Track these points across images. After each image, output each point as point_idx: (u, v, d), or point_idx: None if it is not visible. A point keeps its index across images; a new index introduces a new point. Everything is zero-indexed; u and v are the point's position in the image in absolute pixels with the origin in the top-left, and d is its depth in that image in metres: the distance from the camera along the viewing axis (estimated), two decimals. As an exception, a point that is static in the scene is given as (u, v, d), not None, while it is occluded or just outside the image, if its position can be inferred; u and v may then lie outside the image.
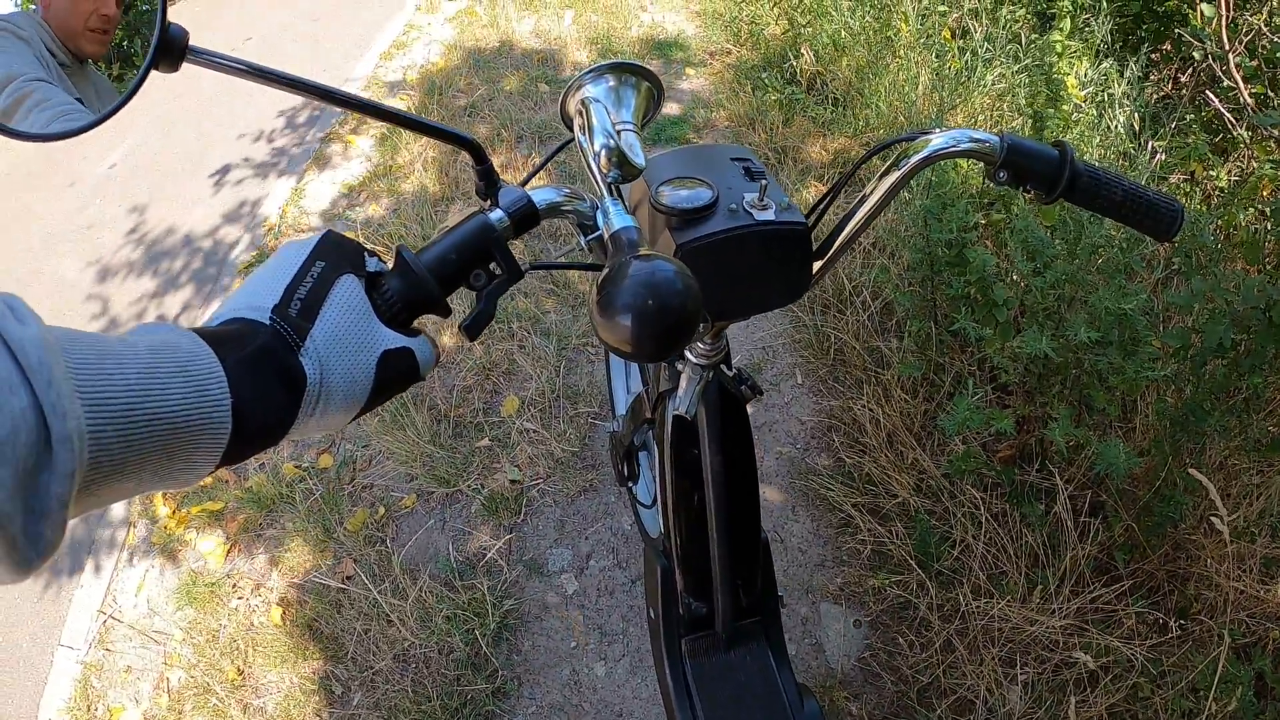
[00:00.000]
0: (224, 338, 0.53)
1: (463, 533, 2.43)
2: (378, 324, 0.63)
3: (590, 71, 0.96)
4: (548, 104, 4.41)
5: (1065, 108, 2.92)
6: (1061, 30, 3.25)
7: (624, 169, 0.84)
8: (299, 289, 0.59)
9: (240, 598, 2.43)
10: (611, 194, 0.81)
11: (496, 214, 0.74)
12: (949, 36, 3.67)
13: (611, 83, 0.97)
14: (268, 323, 0.56)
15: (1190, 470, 1.71)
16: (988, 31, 3.60)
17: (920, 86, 3.43)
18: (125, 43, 0.71)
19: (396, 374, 0.63)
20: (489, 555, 2.34)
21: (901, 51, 3.65)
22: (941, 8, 3.83)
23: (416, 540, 2.42)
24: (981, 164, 0.98)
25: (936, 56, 3.57)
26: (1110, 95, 3.13)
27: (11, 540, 0.37)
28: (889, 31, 3.77)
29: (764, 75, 4.01)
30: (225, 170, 4.60)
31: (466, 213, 0.75)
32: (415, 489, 2.56)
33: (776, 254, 0.94)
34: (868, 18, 3.89)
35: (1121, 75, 3.13)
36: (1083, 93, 3.03)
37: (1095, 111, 3.05)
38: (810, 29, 4.08)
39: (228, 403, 0.50)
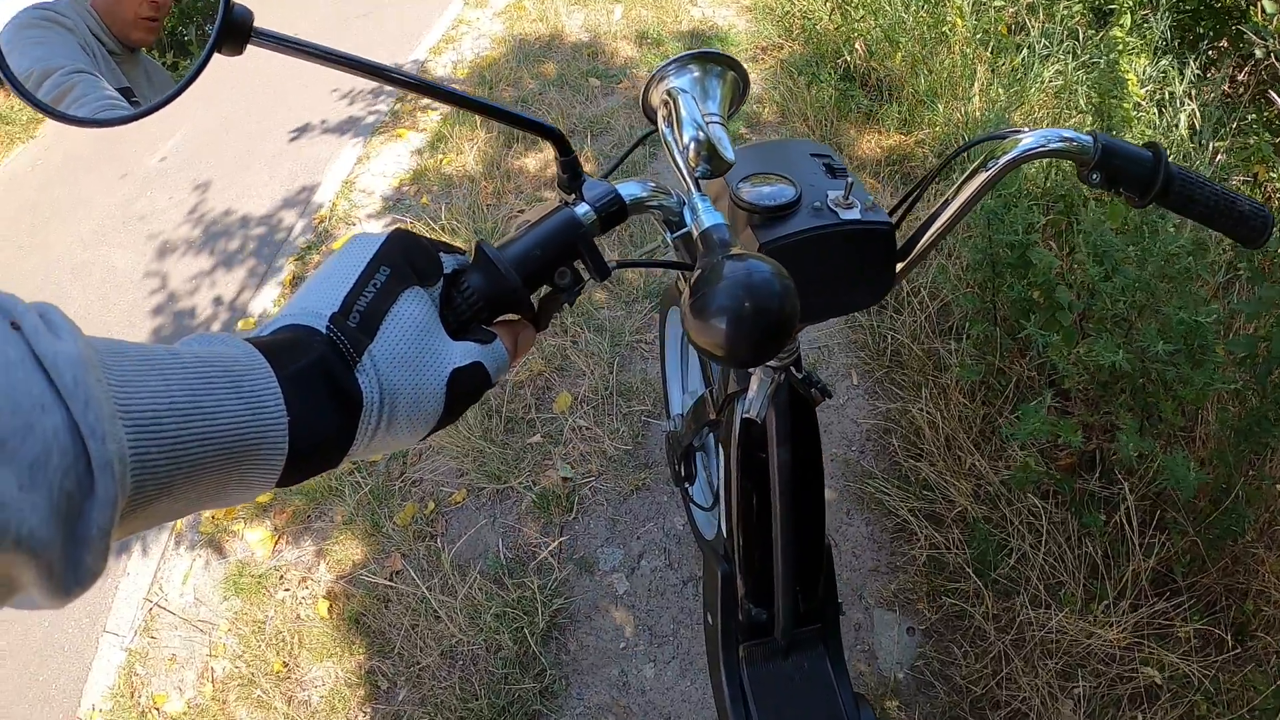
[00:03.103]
0: (278, 348, 0.50)
1: (513, 529, 2.41)
2: (445, 341, 0.58)
3: (674, 61, 0.93)
4: (598, 99, 4.39)
5: (1126, 105, 2.86)
6: (1122, 26, 3.18)
7: (713, 163, 0.81)
8: (359, 299, 0.54)
9: (287, 589, 2.44)
10: (700, 189, 0.78)
11: (582, 208, 0.70)
12: (1005, 32, 3.60)
13: (696, 73, 0.93)
14: (324, 331, 0.52)
15: (1261, 486, 1.68)
16: (1044, 27, 3.53)
17: (976, 83, 3.37)
18: (180, 29, 0.68)
19: (468, 390, 0.59)
20: (540, 553, 2.32)
21: (956, 47, 3.59)
22: (999, 2, 3.77)
23: (466, 536, 2.41)
24: (1071, 165, 0.95)
25: (992, 52, 3.50)
26: (1171, 94, 3.06)
27: (48, 567, 0.34)
28: (943, 26, 3.70)
29: (817, 70, 3.96)
30: (278, 160, 4.63)
31: (546, 206, 0.71)
32: (466, 484, 2.55)
33: (861, 254, 0.92)
34: (921, 12, 3.83)
35: (1181, 74, 3.06)
36: (1142, 90, 2.96)
37: (1155, 110, 2.98)
38: (863, 23, 4.02)
39: (284, 421, 0.47)
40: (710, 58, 0.94)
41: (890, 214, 0.95)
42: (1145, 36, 3.25)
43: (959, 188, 0.94)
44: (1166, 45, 3.30)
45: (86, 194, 4.72)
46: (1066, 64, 3.31)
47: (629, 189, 0.75)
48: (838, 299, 0.97)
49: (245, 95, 5.24)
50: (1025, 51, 3.42)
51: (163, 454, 0.40)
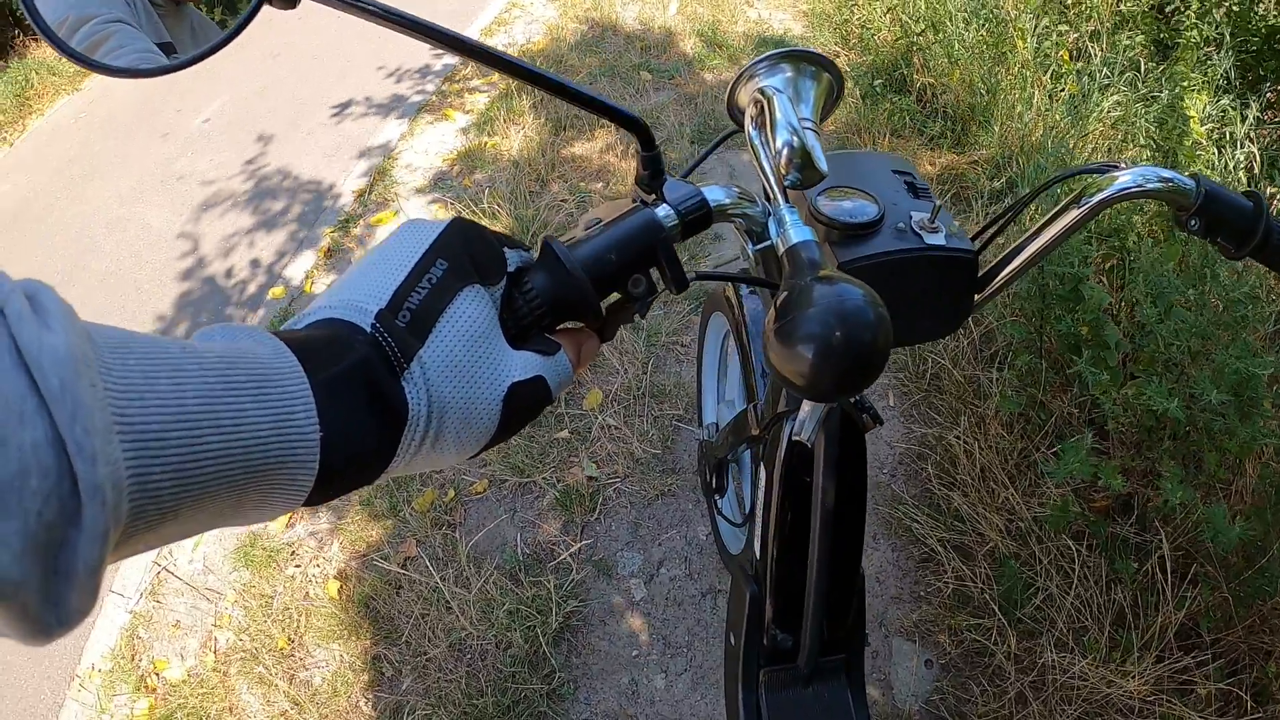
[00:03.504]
0: (313, 346, 0.43)
1: (533, 525, 2.37)
2: (505, 350, 0.52)
3: (764, 59, 0.88)
4: (649, 93, 4.35)
5: (1187, 143, 2.80)
6: (1186, 63, 3.13)
7: (805, 173, 0.76)
8: (411, 296, 0.48)
9: (298, 566, 2.42)
10: (788, 200, 0.73)
11: (664, 210, 0.64)
12: (1067, 58, 3.54)
13: (789, 73, 0.88)
14: (368, 330, 0.46)
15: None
16: (1105, 56, 3.47)
17: (1034, 107, 3.31)
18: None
19: (526, 406, 0.53)
20: (559, 552, 2.28)
21: (1016, 69, 3.53)
22: (1062, 27, 3.70)
23: (484, 527, 2.37)
24: (1169, 207, 0.90)
25: (1052, 78, 3.44)
26: (1230, 134, 3.00)
27: (23, 608, 0.29)
28: (1004, 47, 3.64)
29: (876, 83, 3.90)
30: (322, 130, 4.62)
31: (620, 204, 0.65)
32: (488, 475, 2.51)
33: (942, 282, 0.88)
34: (982, 31, 3.77)
35: (1242, 115, 2.99)
36: (1203, 129, 2.90)
37: (1214, 149, 2.91)
38: (923, 38, 3.96)
39: (316, 435, 0.41)
40: (805, 56, 0.88)
41: (972, 239, 0.91)
42: (1208, 74, 3.19)
43: (1046, 223, 0.90)
44: (1228, 84, 3.24)
45: (127, 151, 4.73)
46: (1127, 95, 3.25)
47: (713, 193, 0.70)
48: (911, 326, 0.93)
49: (293, 66, 5.24)
50: (1085, 79, 3.36)
51: (168, 475, 0.34)
